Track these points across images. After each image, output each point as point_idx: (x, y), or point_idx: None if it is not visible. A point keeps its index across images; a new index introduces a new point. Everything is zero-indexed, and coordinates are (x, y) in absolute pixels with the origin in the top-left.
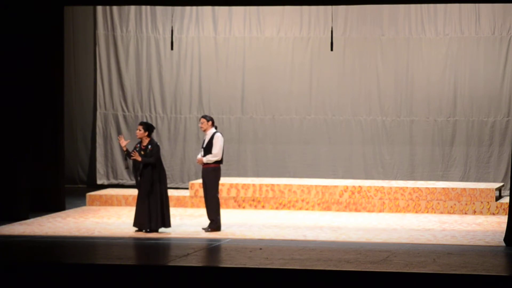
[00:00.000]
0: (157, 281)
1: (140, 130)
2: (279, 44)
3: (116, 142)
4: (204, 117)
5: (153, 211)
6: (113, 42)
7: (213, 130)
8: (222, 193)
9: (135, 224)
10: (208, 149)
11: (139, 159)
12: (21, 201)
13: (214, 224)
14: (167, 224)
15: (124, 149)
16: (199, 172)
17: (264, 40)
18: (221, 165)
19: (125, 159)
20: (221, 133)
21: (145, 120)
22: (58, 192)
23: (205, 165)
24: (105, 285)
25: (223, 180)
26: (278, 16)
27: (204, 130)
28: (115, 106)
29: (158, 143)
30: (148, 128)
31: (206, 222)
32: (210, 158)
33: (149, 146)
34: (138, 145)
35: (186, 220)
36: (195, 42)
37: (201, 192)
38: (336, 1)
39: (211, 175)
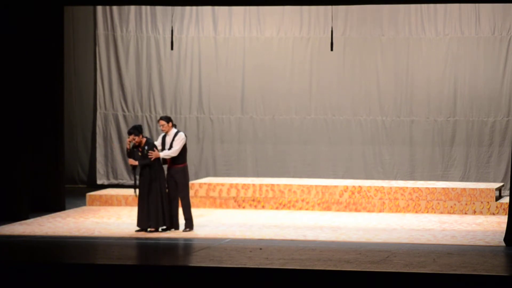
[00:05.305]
0: (157, 281)
1: (135, 139)
2: (279, 44)
3: (116, 142)
4: (163, 118)
5: (152, 209)
6: (113, 42)
7: (174, 130)
8: (222, 193)
9: (138, 224)
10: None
11: (136, 163)
12: (21, 201)
13: (190, 222)
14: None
15: (128, 148)
16: (198, 172)
17: (264, 40)
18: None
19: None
20: (184, 132)
21: (140, 123)
22: (58, 192)
23: (175, 165)
24: (105, 285)
25: (223, 180)
26: (278, 16)
27: (166, 132)
28: (115, 106)
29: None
30: (140, 130)
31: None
32: (167, 153)
33: (146, 147)
34: (135, 149)
35: None
36: (195, 42)
37: (200, 192)
38: (336, 1)
39: (181, 175)
